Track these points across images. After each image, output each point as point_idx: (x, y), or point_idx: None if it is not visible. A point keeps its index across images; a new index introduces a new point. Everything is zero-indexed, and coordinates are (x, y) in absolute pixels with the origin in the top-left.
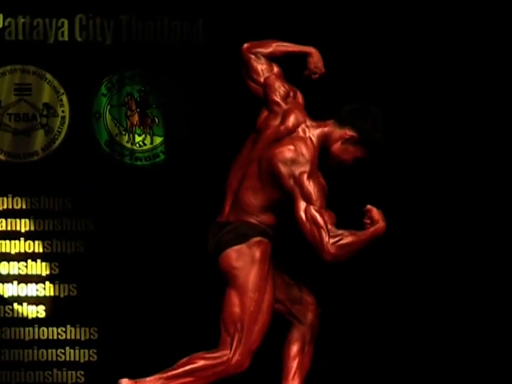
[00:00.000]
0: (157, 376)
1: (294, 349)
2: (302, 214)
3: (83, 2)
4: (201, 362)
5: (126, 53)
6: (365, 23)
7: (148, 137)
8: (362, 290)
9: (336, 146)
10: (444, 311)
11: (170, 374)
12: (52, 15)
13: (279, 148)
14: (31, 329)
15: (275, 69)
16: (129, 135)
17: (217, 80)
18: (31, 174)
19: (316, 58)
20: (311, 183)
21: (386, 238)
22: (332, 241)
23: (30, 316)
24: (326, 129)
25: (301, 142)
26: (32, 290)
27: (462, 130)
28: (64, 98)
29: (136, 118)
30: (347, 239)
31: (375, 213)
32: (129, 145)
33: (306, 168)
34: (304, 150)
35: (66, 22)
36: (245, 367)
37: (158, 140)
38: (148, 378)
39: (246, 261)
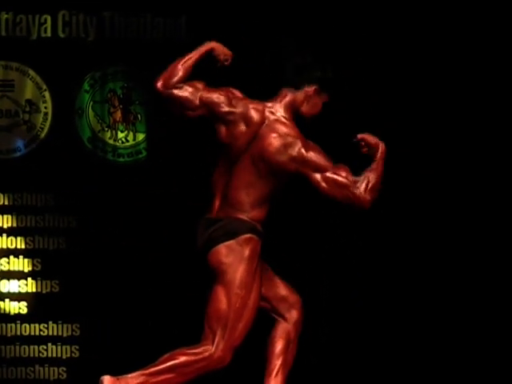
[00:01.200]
0: (139, 372)
1: (279, 347)
2: (324, 185)
3: None
4: (182, 358)
5: (109, 49)
6: (362, 22)
7: (131, 133)
8: (360, 289)
9: (305, 108)
10: (444, 311)
11: (151, 370)
12: (35, 11)
13: (265, 141)
14: (13, 325)
15: (199, 85)
16: (111, 132)
17: (199, 77)
18: (14, 170)
19: (219, 49)
20: (311, 153)
21: (386, 238)
22: (362, 190)
23: (12, 312)
24: (287, 99)
25: (277, 124)
26: (14, 286)
27: (462, 130)
28: (47, 94)
29: (119, 115)
30: (372, 179)
31: (369, 137)
32: (111, 141)
33: (298, 143)
34: (286, 130)
35: (48, 19)
36: (226, 363)
37: (140, 137)
38: (130, 375)
39: (235, 257)
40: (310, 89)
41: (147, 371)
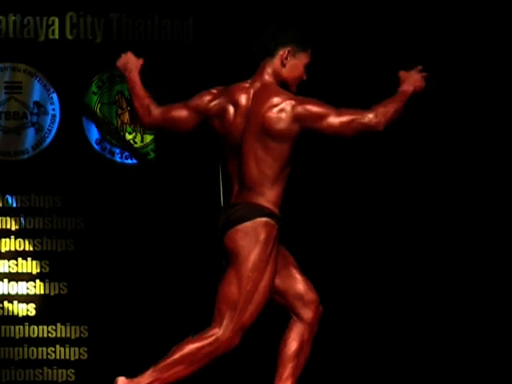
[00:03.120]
0: (150, 370)
1: (292, 348)
2: (331, 129)
3: (74, 0)
4: (190, 346)
5: (117, 51)
6: (361, 22)
7: (138, 135)
8: (361, 289)
9: (285, 72)
10: (444, 311)
11: (161, 365)
12: (42, 13)
13: (260, 116)
14: (21, 327)
15: (176, 104)
16: (119, 133)
17: (207, 78)
18: (22, 172)
19: (132, 63)
20: (307, 106)
21: (386, 237)
22: (372, 115)
23: (20, 314)
24: (267, 70)
25: (265, 95)
26: (22, 288)
27: (462, 129)
28: (54, 96)
29: (126, 117)
30: (386, 105)
31: (402, 74)
32: (119, 143)
33: (292, 103)
34: (275, 96)
35: (56, 20)
36: (234, 345)
37: (148, 138)
38: (141, 375)
39: (249, 240)
40: (284, 51)
41: (157, 367)
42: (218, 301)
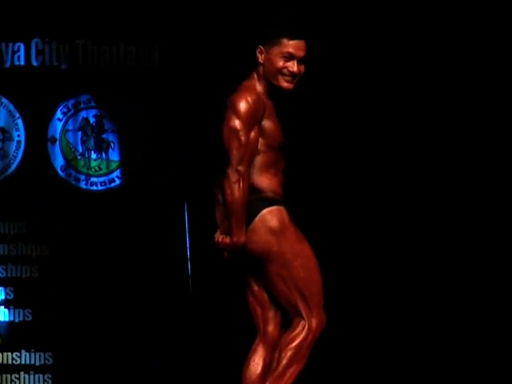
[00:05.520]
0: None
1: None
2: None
3: (39, 26)
4: (290, 347)
5: (82, 77)
6: (361, 22)
7: (104, 162)
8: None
9: (262, 69)
10: (444, 312)
11: (275, 376)
12: (8, 39)
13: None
14: None
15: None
16: (84, 160)
17: (173, 105)
18: None
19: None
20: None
21: (386, 238)
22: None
23: None
24: (254, 75)
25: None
26: None
27: (461, 130)
28: (20, 122)
29: (92, 143)
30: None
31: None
32: (84, 170)
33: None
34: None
35: (21, 47)
36: (325, 323)
37: (113, 165)
38: None
39: (268, 234)
40: (257, 53)
41: (272, 379)
42: (285, 302)
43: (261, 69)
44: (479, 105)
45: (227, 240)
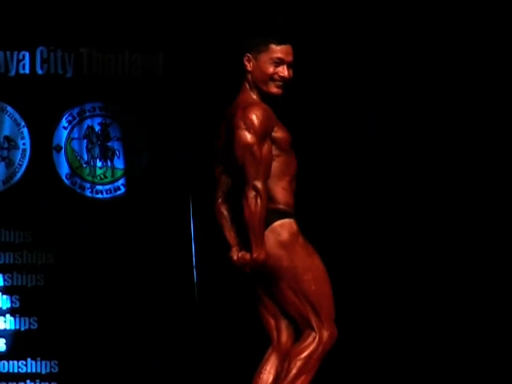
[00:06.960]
0: None
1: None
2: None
3: (44, 34)
4: (300, 358)
5: (87, 85)
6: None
7: (109, 170)
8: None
9: (251, 77)
10: (444, 312)
11: None
12: (13, 48)
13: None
14: None
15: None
16: (90, 168)
17: (177, 112)
18: None
19: None
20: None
21: (386, 238)
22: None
23: None
24: (246, 84)
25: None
26: None
27: (461, 130)
28: (25, 130)
29: (97, 151)
30: None
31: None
32: (90, 178)
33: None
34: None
35: (27, 55)
36: (336, 336)
37: (118, 173)
38: None
39: (279, 248)
40: (245, 62)
41: None
42: (296, 314)
43: (249, 77)
44: (472, 101)
45: (247, 256)
